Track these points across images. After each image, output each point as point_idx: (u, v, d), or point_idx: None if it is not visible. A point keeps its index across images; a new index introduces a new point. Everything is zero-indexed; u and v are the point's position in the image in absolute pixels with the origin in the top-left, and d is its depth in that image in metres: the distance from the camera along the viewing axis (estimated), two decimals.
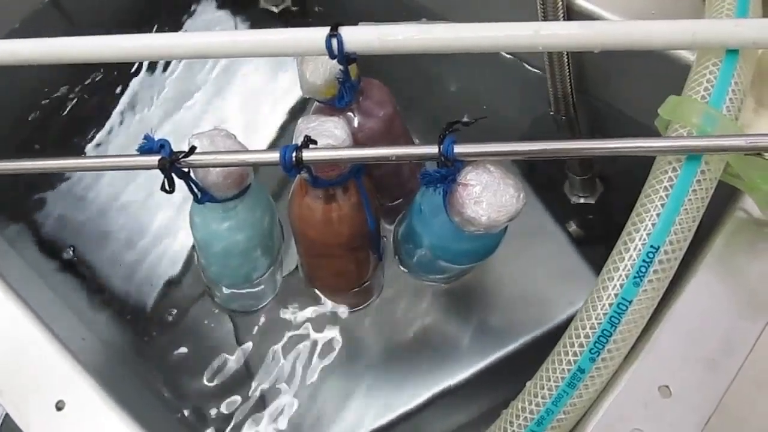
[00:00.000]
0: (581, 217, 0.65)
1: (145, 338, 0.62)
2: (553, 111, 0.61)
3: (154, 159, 0.41)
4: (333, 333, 0.61)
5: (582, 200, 0.65)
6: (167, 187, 0.42)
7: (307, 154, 0.41)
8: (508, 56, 0.65)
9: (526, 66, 0.64)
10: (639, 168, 0.57)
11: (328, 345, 0.60)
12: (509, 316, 0.61)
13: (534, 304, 0.61)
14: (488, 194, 0.41)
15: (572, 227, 0.64)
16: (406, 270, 0.59)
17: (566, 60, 0.55)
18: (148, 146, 0.42)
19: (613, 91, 0.60)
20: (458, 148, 0.39)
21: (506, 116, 0.66)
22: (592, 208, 0.65)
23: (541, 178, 0.65)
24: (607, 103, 0.61)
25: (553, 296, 0.61)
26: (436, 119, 0.67)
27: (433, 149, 0.39)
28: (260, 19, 0.76)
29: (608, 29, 0.41)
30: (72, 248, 0.66)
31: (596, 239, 0.64)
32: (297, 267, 0.61)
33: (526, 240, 0.61)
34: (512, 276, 0.62)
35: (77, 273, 0.65)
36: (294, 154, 0.40)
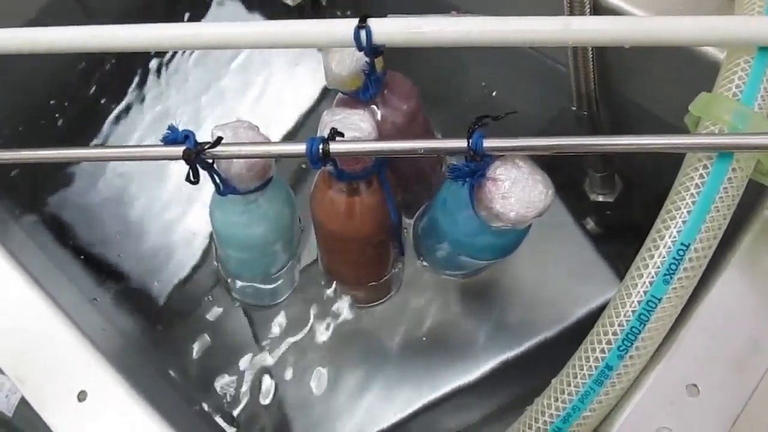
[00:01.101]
0: (600, 215, 0.64)
1: (162, 330, 0.62)
2: (576, 107, 0.60)
3: (179, 150, 0.41)
4: (351, 327, 0.61)
5: (601, 198, 0.64)
6: (192, 178, 0.41)
7: (334, 147, 0.40)
8: (531, 50, 0.64)
9: (549, 61, 0.64)
10: (659, 166, 0.56)
11: (346, 339, 0.60)
12: (526, 313, 0.61)
13: (551, 301, 0.61)
14: (517, 189, 0.40)
15: (590, 224, 0.64)
16: (425, 264, 0.59)
17: (591, 55, 0.55)
18: (173, 137, 0.41)
19: (637, 87, 0.60)
20: (487, 143, 0.39)
21: (527, 111, 0.66)
22: (611, 206, 0.65)
23: (560, 174, 0.64)
24: (629, 100, 0.61)
25: (570, 293, 0.61)
26: (457, 113, 0.67)
27: (462, 143, 0.39)
28: (279, 13, 0.75)
29: (640, 24, 0.41)
30: (90, 239, 0.66)
31: (614, 237, 0.64)
32: (315, 260, 0.61)
33: (544, 237, 0.60)
34: (530, 273, 0.62)
35: (96, 264, 0.65)
36: (321, 147, 0.40)
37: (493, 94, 0.68)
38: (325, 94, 0.71)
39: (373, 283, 0.58)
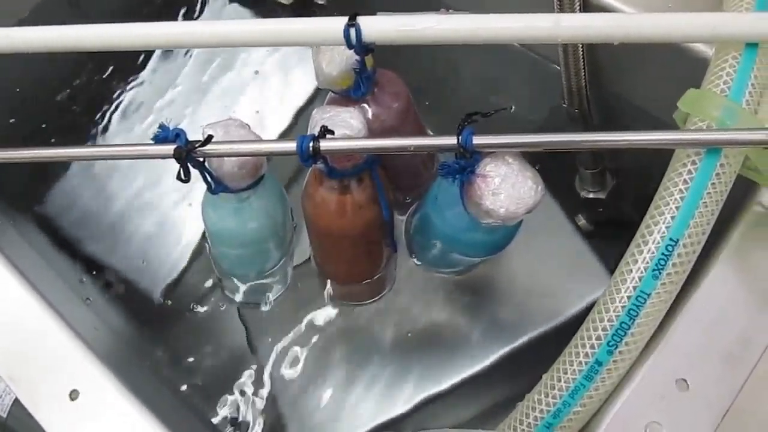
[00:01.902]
0: (591, 212, 0.64)
1: (155, 329, 0.62)
2: (566, 104, 0.60)
3: (170, 148, 0.41)
4: (344, 325, 0.61)
5: (592, 195, 0.65)
6: (183, 177, 0.41)
7: (324, 144, 0.40)
8: (521, 48, 0.65)
9: (539, 58, 0.64)
10: (650, 162, 0.56)
11: (339, 337, 0.60)
12: (519, 310, 0.61)
13: (543, 297, 0.61)
14: (507, 186, 0.40)
15: (581, 221, 0.64)
16: (417, 262, 0.59)
17: (581, 52, 0.55)
18: (163, 135, 0.41)
19: (627, 84, 0.60)
20: (477, 140, 0.39)
21: (518, 109, 0.66)
22: (602, 203, 0.65)
23: (550, 171, 0.64)
24: (620, 97, 0.61)
25: (562, 290, 0.61)
26: (448, 111, 0.67)
27: (452, 140, 0.39)
28: (273, 13, 0.75)
29: (629, 21, 0.41)
30: (83, 239, 0.66)
31: (606, 234, 0.64)
32: (308, 258, 0.61)
33: (535, 234, 0.60)
34: (522, 270, 0.62)
35: (88, 263, 0.65)
36: (311, 144, 0.40)
37: (484, 91, 0.68)
38: (318, 92, 0.71)
39: (367, 281, 0.58)
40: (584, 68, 0.57)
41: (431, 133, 0.61)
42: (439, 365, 0.59)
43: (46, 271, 0.63)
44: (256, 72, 0.73)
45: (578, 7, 0.52)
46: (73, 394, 0.44)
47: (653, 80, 0.58)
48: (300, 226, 0.57)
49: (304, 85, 0.72)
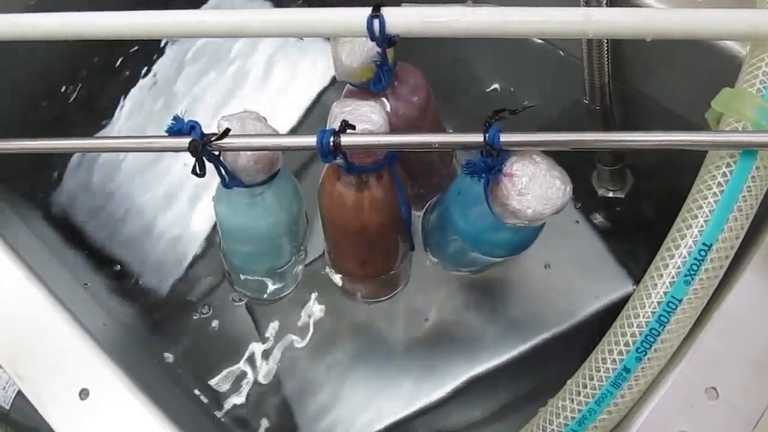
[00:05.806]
0: (609, 210, 0.63)
1: (164, 324, 0.61)
2: (588, 100, 0.59)
3: (185, 141, 0.39)
4: (357, 323, 0.60)
5: (610, 193, 0.63)
6: (198, 171, 0.40)
7: (345, 140, 0.39)
8: (543, 42, 0.63)
9: (561, 53, 0.63)
10: (672, 161, 0.55)
11: (352, 335, 0.59)
12: (534, 310, 0.60)
13: (559, 297, 0.60)
14: (534, 186, 0.39)
15: (598, 219, 0.63)
16: (434, 260, 0.58)
17: (606, 48, 0.54)
18: (177, 127, 0.40)
19: (652, 81, 0.59)
20: (504, 137, 0.38)
21: (538, 103, 0.65)
22: (621, 201, 0.64)
23: (566, 167, 0.63)
24: (644, 94, 0.60)
25: (578, 290, 0.60)
26: (467, 106, 0.66)
27: (478, 137, 0.38)
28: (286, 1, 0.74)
29: (661, 17, 0.40)
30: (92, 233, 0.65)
31: (624, 233, 0.63)
32: (321, 255, 0.60)
33: (551, 232, 0.60)
34: (537, 268, 0.61)
35: (97, 257, 0.64)
36: (332, 139, 0.39)
37: (503, 85, 0.67)
38: (332, 83, 0.70)
39: (382, 278, 0.57)
40: (608, 64, 0.55)
41: (450, 129, 0.59)
42: (452, 364, 0.58)
43: (55, 265, 0.62)
44: (270, 61, 0.72)
45: (605, 2, 0.51)
46: (83, 394, 0.43)
47: (678, 77, 0.56)
48: (313, 222, 0.56)
49: (319, 76, 0.71)
